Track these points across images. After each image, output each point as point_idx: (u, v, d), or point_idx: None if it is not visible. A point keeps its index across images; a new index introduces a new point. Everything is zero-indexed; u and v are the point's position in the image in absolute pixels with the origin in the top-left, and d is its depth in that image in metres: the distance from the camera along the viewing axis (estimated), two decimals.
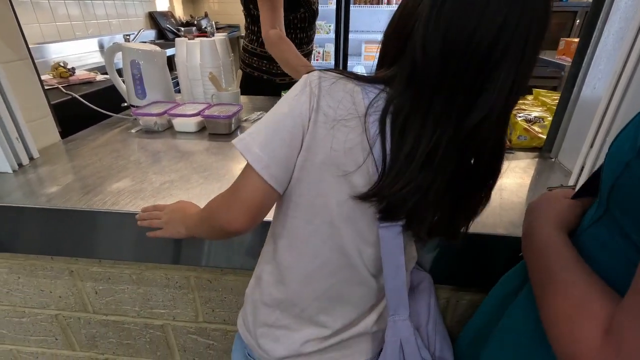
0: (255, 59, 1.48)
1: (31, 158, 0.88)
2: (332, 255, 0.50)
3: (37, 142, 0.90)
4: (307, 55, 1.53)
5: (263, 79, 1.50)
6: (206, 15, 3.72)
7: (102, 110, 1.17)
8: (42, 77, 0.97)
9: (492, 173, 0.47)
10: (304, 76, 0.47)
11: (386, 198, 0.44)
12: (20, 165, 0.85)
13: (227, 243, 0.71)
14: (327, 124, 0.44)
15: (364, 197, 0.45)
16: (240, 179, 0.48)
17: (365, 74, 0.47)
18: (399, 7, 0.46)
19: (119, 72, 1.20)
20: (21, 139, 0.85)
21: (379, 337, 0.54)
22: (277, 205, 0.52)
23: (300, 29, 1.43)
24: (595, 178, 0.45)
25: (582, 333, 0.31)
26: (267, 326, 0.55)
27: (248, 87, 1.46)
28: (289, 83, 1.49)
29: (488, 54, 0.38)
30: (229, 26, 3.88)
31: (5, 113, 0.80)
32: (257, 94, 1.49)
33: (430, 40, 0.39)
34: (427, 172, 0.42)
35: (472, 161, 0.44)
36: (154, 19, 3.21)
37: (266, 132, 0.46)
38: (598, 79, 0.78)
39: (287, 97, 0.47)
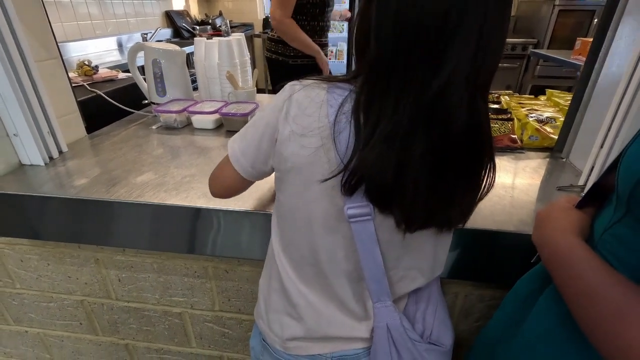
0: (272, 44, 1.70)
1: (60, 152, 0.93)
2: (310, 249, 0.54)
3: (65, 137, 0.95)
4: (321, 47, 1.65)
5: (279, 61, 1.69)
6: (221, 14, 3.78)
7: (124, 107, 1.22)
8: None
9: (478, 157, 0.45)
10: (283, 87, 0.51)
11: (349, 174, 0.45)
12: (51, 158, 0.90)
13: (244, 235, 0.74)
14: (293, 133, 0.48)
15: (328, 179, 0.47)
16: (222, 162, 0.60)
17: (339, 75, 0.50)
18: (359, 9, 0.47)
19: (140, 71, 1.24)
20: (52, 133, 0.90)
21: (372, 323, 0.57)
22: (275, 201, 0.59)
23: (312, 15, 1.59)
24: (597, 188, 0.48)
25: (632, 330, 0.33)
26: (276, 312, 0.60)
27: (272, 70, 1.77)
28: (300, 65, 1.69)
29: (442, 27, 0.38)
30: (243, 24, 3.93)
31: (38, 109, 0.85)
32: (276, 74, 1.75)
33: (381, 26, 0.41)
34: (389, 148, 0.42)
35: (443, 139, 0.42)
36: (170, 17, 3.28)
37: (245, 133, 0.55)
38: (610, 80, 0.79)
39: (271, 102, 0.52)
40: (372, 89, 0.44)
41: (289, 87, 0.50)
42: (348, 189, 0.46)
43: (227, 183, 0.60)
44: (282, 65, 1.69)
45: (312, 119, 0.47)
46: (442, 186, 0.45)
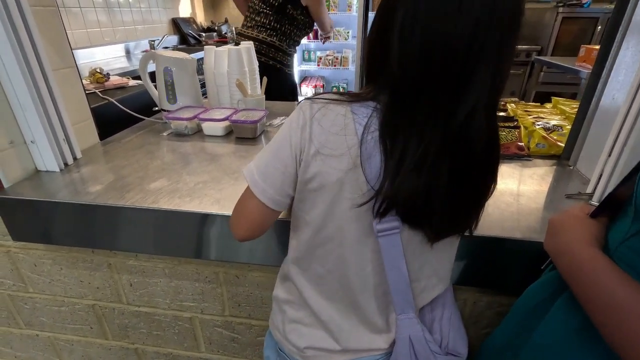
0: (245, 39, 1.75)
1: (75, 158, 0.95)
2: (337, 264, 0.54)
3: (79, 143, 0.97)
4: (270, 46, 1.78)
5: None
6: (226, 21, 3.82)
7: (136, 114, 1.24)
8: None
9: (491, 167, 0.48)
10: (299, 105, 0.51)
11: (382, 201, 0.46)
12: (65, 164, 0.92)
13: (255, 241, 0.75)
14: (319, 154, 0.48)
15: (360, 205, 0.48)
16: (243, 198, 0.56)
17: (355, 92, 0.50)
18: (372, 24, 0.47)
19: (151, 78, 1.27)
20: (67, 140, 0.92)
21: (392, 335, 0.58)
22: (291, 220, 0.59)
23: (299, 31, 1.82)
24: (612, 198, 0.48)
25: None
26: (294, 322, 0.61)
27: None
28: (271, 65, 1.83)
29: (466, 56, 0.39)
30: None
31: (55, 117, 0.87)
32: None
33: (406, 53, 0.41)
34: (420, 176, 0.44)
35: (466, 160, 0.45)
36: (176, 25, 3.33)
37: (265, 161, 0.53)
38: (617, 89, 0.80)
39: (285, 126, 0.51)
40: (397, 114, 0.44)
41: (308, 105, 0.49)
42: (381, 214, 0.47)
43: (253, 219, 0.55)
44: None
45: (339, 138, 0.47)
46: (464, 198, 0.47)
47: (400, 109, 0.44)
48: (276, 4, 1.70)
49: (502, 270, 0.73)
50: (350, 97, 0.49)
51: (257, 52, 1.75)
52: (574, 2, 3.08)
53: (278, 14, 1.73)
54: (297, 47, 1.95)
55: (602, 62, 0.84)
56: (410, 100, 0.43)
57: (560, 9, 3.05)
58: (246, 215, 0.55)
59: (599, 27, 3.01)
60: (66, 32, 0.94)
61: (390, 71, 0.43)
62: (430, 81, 0.41)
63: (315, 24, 1.87)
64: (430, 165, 0.43)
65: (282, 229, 0.72)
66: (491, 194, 0.51)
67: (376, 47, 0.47)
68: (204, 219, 0.74)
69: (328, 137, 0.47)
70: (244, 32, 1.82)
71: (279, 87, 1.86)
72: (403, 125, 0.44)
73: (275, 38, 1.78)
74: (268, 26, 1.76)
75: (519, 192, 0.81)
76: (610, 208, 0.48)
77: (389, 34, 0.42)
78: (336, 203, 0.50)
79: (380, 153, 0.45)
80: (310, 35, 3.59)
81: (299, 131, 0.49)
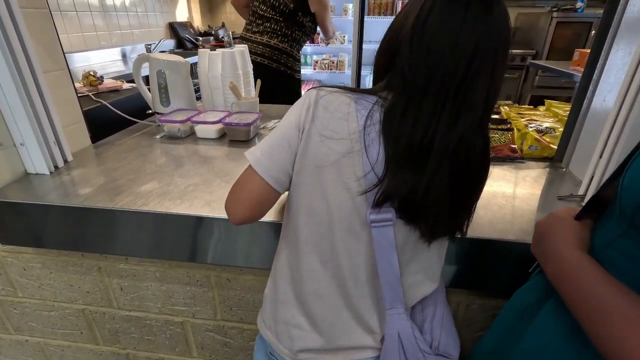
0: (253, 44, 1.78)
1: (65, 161, 0.94)
2: (330, 256, 0.54)
3: (70, 146, 0.96)
4: (282, 52, 1.79)
5: (263, 64, 1.77)
6: (223, 25, 3.83)
7: (129, 117, 1.23)
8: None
9: (484, 172, 0.51)
10: (306, 93, 0.54)
11: (382, 192, 0.48)
12: (56, 167, 0.91)
13: (246, 244, 0.75)
14: (319, 135, 0.50)
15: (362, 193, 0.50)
16: (243, 179, 0.56)
17: (362, 88, 0.54)
18: (388, 29, 0.52)
19: (144, 81, 1.26)
20: (58, 143, 0.91)
21: (382, 333, 0.57)
22: (285, 210, 0.59)
23: (306, 31, 1.82)
24: (597, 199, 0.48)
25: None
26: (285, 324, 0.60)
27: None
28: (282, 71, 1.85)
29: (467, 68, 0.44)
30: None
31: (45, 119, 0.86)
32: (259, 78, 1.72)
33: (414, 58, 0.46)
34: (423, 173, 0.47)
35: (465, 162, 0.48)
36: (173, 29, 3.33)
37: (270, 143, 0.54)
38: (608, 91, 0.80)
39: (292, 111, 0.54)
40: (405, 110, 0.47)
41: (314, 92, 0.53)
42: (378, 204, 0.49)
43: (253, 199, 0.54)
44: (264, 68, 1.76)
45: (341, 123, 0.50)
46: (458, 199, 0.49)
47: (409, 105, 0.47)
48: (287, 10, 1.71)
49: (495, 273, 0.72)
50: (355, 90, 0.52)
51: (269, 58, 1.78)
52: (568, 7, 3.11)
53: (288, 21, 1.74)
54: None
55: (592, 65, 0.85)
56: (417, 97, 0.46)
57: (555, 14, 3.08)
58: (246, 195, 0.55)
59: (593, 32, 3.04)
60: (58, 35, 0.94)
61: (400, 69, 0.47)
62: (435, 86, 0.45)
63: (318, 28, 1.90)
64: (434, 163, 0.46)
65: (274, 232, 0.71)
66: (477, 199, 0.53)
67: (387, 48, 0.51)
68: (194, 222, 0.73)
69: (331, 120, 0.50)
70: (250, 37, 1.81)
71: (288, 92, 1.86)
72: (409, 117, 0.47)
73: (286, 44, 1.79)
74: (279, 32, 1.78)
75: (512, 195, 0.81)
76: (596, 209, 0.48)
77: (400, 39, 0.47)
78: (331, 187, 0.51)
79: (380, 144, 0.48)
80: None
81: (304, 112, 0.52)
